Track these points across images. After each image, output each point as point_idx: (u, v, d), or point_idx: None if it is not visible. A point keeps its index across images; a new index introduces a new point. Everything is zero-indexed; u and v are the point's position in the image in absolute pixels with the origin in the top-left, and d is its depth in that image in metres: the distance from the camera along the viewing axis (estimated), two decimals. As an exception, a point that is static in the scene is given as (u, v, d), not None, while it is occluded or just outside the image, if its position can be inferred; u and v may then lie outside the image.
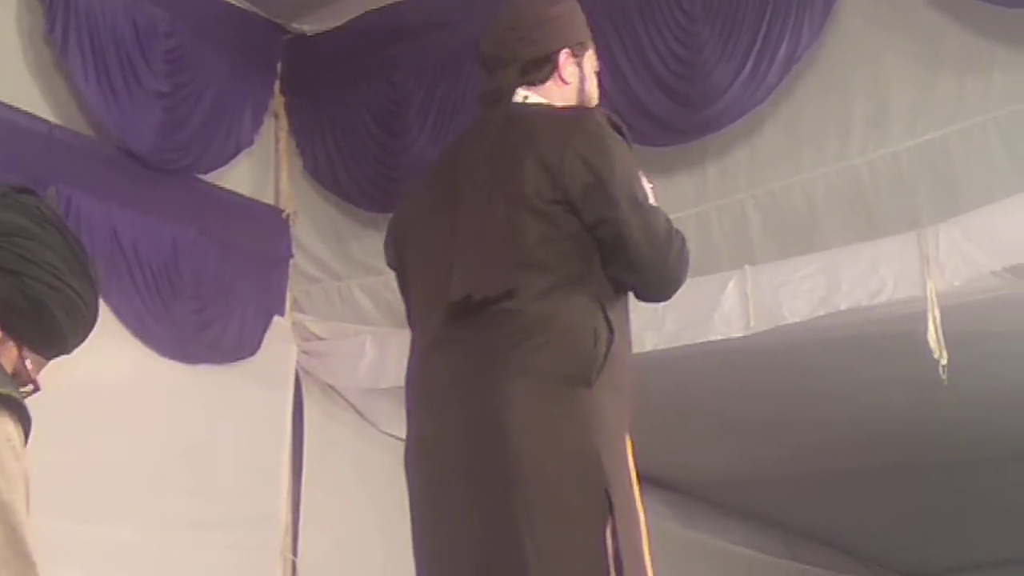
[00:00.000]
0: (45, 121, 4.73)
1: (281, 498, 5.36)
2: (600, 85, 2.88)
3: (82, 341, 2.23)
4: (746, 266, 4.56)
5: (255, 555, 5.19)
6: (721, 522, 7.74)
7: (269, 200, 5.70)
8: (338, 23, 5.58)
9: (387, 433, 5.42)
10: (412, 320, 2.77)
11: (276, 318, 5.51)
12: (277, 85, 5.71)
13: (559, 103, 2.75)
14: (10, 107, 4.58)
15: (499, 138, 2.68)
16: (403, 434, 2.74)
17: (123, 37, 4.93)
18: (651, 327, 4.65)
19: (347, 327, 5.33)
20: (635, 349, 4.57)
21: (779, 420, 6.18)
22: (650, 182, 2.77)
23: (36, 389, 2.21)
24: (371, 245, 5.17)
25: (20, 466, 2.13)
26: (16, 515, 2.08)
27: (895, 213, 4.31)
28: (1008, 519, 7.82)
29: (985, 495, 7.41)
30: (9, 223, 2.12)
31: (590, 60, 2.83)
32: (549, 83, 2.76)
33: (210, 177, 5.36)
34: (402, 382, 2.76)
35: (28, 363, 2.16)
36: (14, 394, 2.12)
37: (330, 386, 5.63)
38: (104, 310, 4.90)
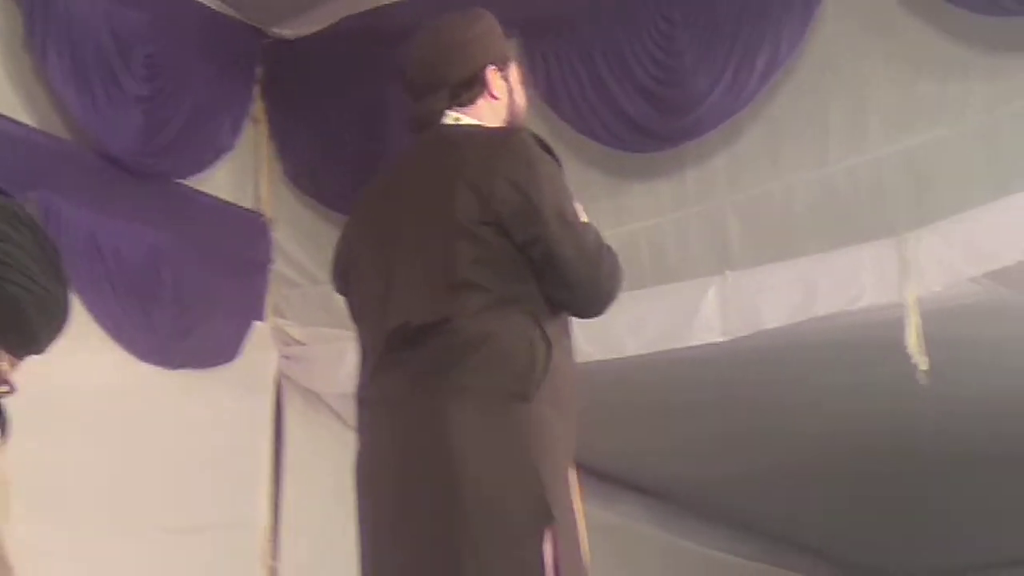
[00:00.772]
0: (24, 126, 4.72)
1: (261, 504, 5.35)
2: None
3: (55, 340, 2.25)
4: (726, 272, 4.57)
5: (235, 561, 5.17)
6: (701, 527, 7.75)
7: (249, 205, 5.68)
8: (318, 27, 5.58)
9: (368, 438, 5.40)
10: (360, 346, 2.80)
11: (256, 323, 5.50)
12: (257, 90, 5.70)
13: (490, 120, 2.79)
14: (-11, 112, 4.58)
15: (430, 163, 2.73)
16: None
17: (102, 42, 4.92)
18: (630, 332, 4.66)
19: (327, 332, 5.32)
20: (615, 354, 4.64)
21: (759, 425, 6.19)
22: (580, 203, 2.81)
23: (11, 390, 2.21)
24: (351, 250, 5.16)
25: (-1, 470, 2.13)
26: (-7, 519, 2.08)
27: (873, 219, 4.33)
28: (988, 523, 7.85)
29: (965, 499, 7.43)
30: None
31: (514, 72, 2.88)
32: (480, 101, 2.80)
33: (190, 182, 5.35)
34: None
35: (3, 364, 2.16)
36: None
37: (310, 391, 5.62)
38: (83, 315, 4.94)
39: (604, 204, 4.86)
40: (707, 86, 4.57)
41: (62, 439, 4.51)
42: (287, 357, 5.57)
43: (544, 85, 4.96)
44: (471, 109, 2.79)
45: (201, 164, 5.37)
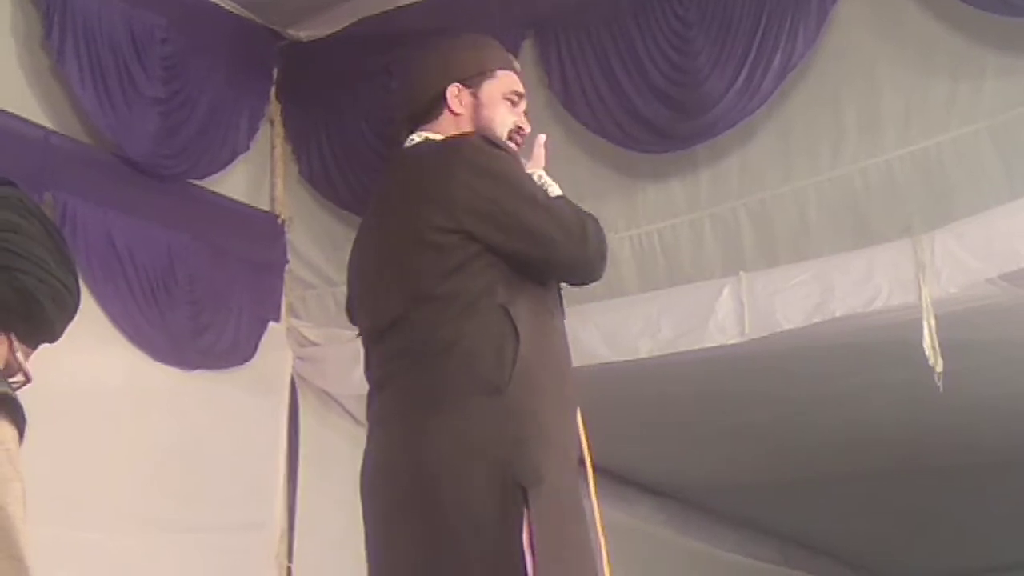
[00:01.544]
0: (41, 127, 4.74)
1: (276, 504, 5.36)
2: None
3: (66, 327, 2.28)
4: (741, 273, 4.56)
5: (250, 561, 5.18)
6: (715, 529, 7.74)
7: (265, 206, 5.70)
8: (334, 29, 5.59)
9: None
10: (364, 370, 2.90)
11: (271, 324, 5.51)
12: (273, 91, 5.72)
13: (453, 133, 2.85)
14: (6, 113, 4.59)
15: (394, 182, 2.85)
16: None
17: (120, 44, 4.94)
18: (646, 334, 4.66)
19: (342, 333, 5.32)
20: (630, 356, 4.63)
21: (773, 427, 6.18)
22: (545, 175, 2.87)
23: (27, 380, 2.23)
24: (366, 251, 5.17)
25: (14, 469, 2.14)
26: (9, 519, 2.09)
27: (888, 221, 4.32)
28: (1002, 525, 7.82)
29: (979, 501, 7.41)
30: None
31: (495, 87, 2.90)
32: (441, 117, 2.88)
33: (206, 183, 5.36)
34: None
35: (19, 354, 2.18)
36: (8, 392, 2.13)
37: (325, 392, 5.63)
38: (100, 316, 4.96)
39: (618, 205, 4.87)
40: (722, 87, 4.56)
41: (78, 439, 4.52)
42: (302, 358, 5.58)
43: (559, 86, 4.97)
44: (433, 125, 2.88)
45: (217, 165, 5.39)
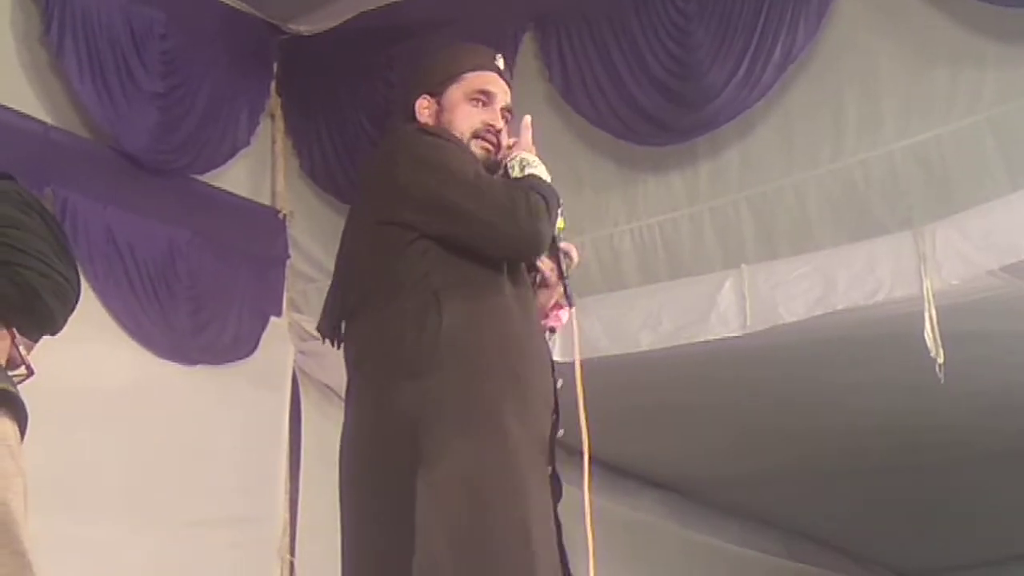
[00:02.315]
0: (41, 122, 4.74)
1: (279, 498, 5.36)
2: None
3: (67, 320, 2.29)
4: (743, 266, 4.56)
5: (253, 555, 5.19)
6: (718, 522, 7.73)
7: (265, 201, 5.70)
8: (334, 23, 5.58)
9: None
10: None
11: (273, 319, 5.51)
12: (273, 86, 5.72)
13: None
14: (6, 108, 4.59)
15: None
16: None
17: (119, 39, 4.93)
18: (647, 327, 4.66)
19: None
20: (630, 348, 4.63)
21: (776, 420, 6.18)
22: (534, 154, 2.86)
23: (30, 373, 2.24)
24: (367, 245, 5.17)
25: (16, 464, 2.14)
26: (11, 513, 2.09)
27: (888, 213, 4.32)
28: (1005, 517, 7.82)
29: (982, 493, 7.41)
30: None
31: (458, 90, 2.92)
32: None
33: (206, 178, 5.36)
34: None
35: (21, 348, 2.19)
36: (10, 388, 2.13)
37: (327, 386, 5.63)
38: (100, 311, 4.96)
39: (619, 198, 4.87)
40: (722, 80, 4.56)
41: (80, 435, 4.52)
42: (304, 352, 5.58)
43: (560, 79, 4.96)
44: None
45: (217, 160, 5.38)
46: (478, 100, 2.89)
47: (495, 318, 2.67)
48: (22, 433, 2.25)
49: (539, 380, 2.69)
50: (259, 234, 5.60)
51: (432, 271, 2.66)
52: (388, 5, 5.43)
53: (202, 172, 5.33)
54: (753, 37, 4.52)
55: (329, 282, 5.42)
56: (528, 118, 2.95)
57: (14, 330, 2.19)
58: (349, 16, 5.53)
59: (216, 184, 5.42)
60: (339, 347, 2.87)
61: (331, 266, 5.39)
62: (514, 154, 2.83)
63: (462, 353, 2.61)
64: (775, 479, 7.06)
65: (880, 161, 4.37)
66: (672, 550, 7.34)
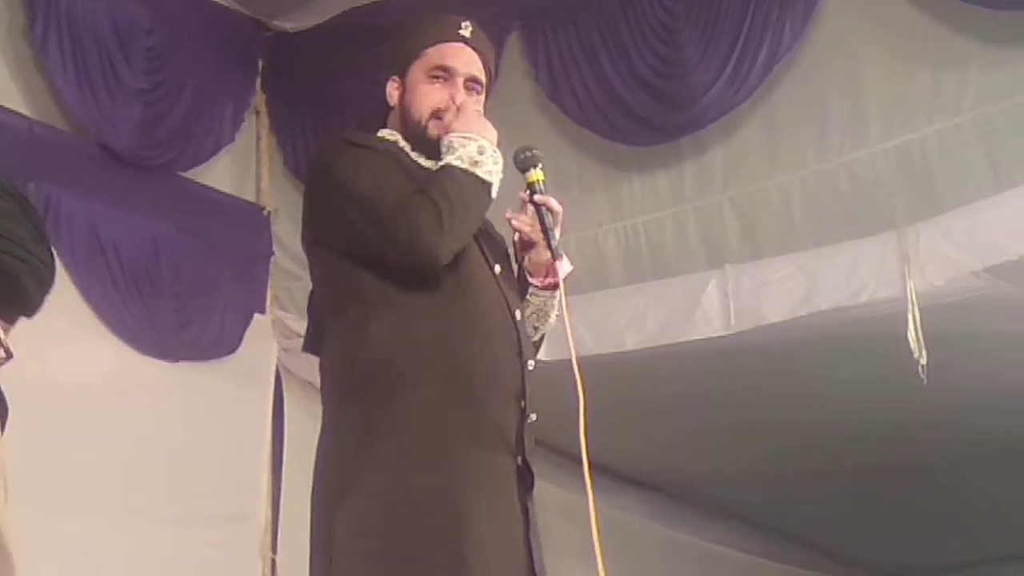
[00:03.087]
0: (25, 118, 4.72)
1: (261, 496, 5.35)
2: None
3: (44, 301, 2.30)
4: (727, 265, 4.57)
5: (235, 553, 5.18)
6: (701, 522, 7.74)
7: (250, 197, 5.69)
8: (319, 20, 5.58)
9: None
10: None
11: (256, 316, 5.50)
12: (258, 82, 5.71)
13: (398, 127, 2.79)
14: (-10, 104, 4.58)
15: None
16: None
17: (103, 35, 4.92)
18: (632, 326, 4.66)
19: (328, 325, 5.31)
20: (616, 348, 4.63)
21: (759, 420, 6.19)
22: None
23: (9, 356, 2.23)
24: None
25: (-4, 456, 2.14)
26: (-11, 503, 2.08)
27: (873, 214, 4.33)
28: (988, 518, 7.85)
29: (965, 494, 7.43)
30: None
31: (418, 68, 2.77)
32: (390, 114, 2.82)
33: (191, 174, 5.35)
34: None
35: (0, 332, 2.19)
36: None
37: (310, 383, 5.61)
38: (83, 308, 4.94)
39: (603, 198, 4.87)
40: (709, 79, 4.57)
41: (62, 432, 4.51)
42: (287, 350, 5.57)
43: (546, 78, 4.96)
44: (388, 123, 2.82)
45: (202, 156, 5.37)
46: (437, 77, 2.73)
47: (426, 320, 2.55)
48: (2, 425, 2.25)
49: (494, 370, 2.56)
50: (243, 231, 5.59)
51: (363, 284, 2.57)
52: (374, 3, 5.42)
53: (186, 168, 5.31)
54: (739, 37, 4.52)
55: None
56: (460, 97, 2.76)
57: None
58: (335, 13, 5.52)
59: (200, 181, 5.41)
60: None
61: (315, 263, 5.46)
62: (446, 138, 2.65)
63: (389, 368, 2.53)
64: (758, 479, 7.07)
65: (864, 162, 4.38)
66: (654, 550, 7.34)
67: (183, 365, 5.11)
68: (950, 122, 4.22)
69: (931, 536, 8.35)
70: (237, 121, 5.54)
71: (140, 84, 5.05)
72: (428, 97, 2.72)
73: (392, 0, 5.38)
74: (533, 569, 2.53)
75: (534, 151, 2.70)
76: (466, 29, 2.77)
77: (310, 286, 5.75)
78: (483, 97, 2.79)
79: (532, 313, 2.77)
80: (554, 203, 2.68)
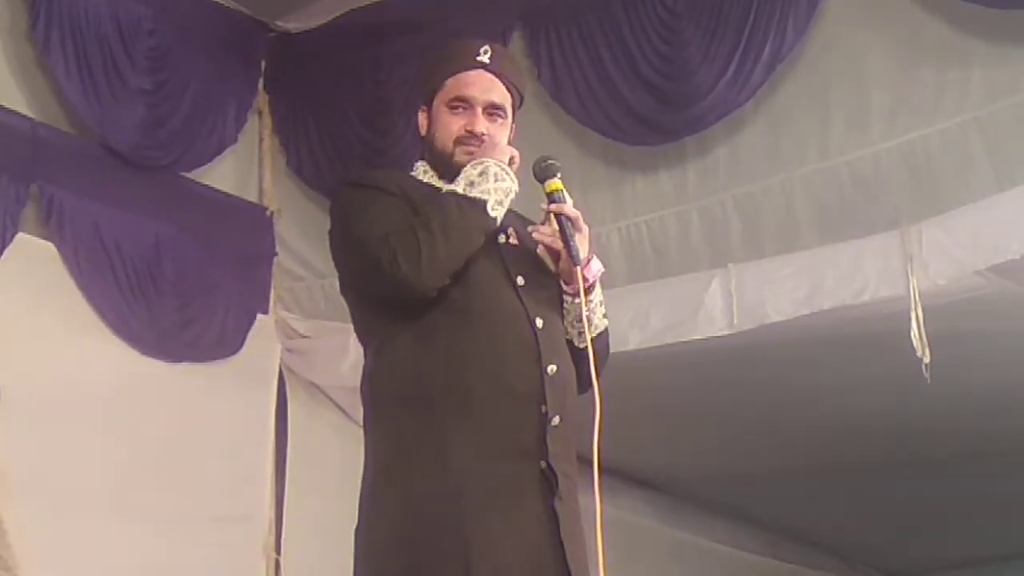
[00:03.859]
0: (28, 118, 4.72)
1: (265, 496, 5.36)
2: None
3: None
4: (730, 265, 4.56)
5: (239, 553, 5.18)
6: (704, 520, 7.74)
7: (253, 198, 5.69)
8: (322, 21, 5.58)
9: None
10: None
11: (259, 316, 5.50)
12: (261, 83, 5.71)
13: (428, 156, 2.85)
14: (-7, 104, 4.58)
15: None
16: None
17: (106, 35, 4.92)
18: (635, 326, 4.66)
19: (331, 325, 5.32)
20: (619, 348, 4.61)
21: (764, 419, 6.19)
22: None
23: None
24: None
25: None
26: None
27: (876, 213, 4.32)
28: (992, 516, 7.84)
29: (970, 493, 7.42)
30: None
31: (440, 99, 2.83)
32: (423, 145, 2.88)
33: (193, 175, 5.35)
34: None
35: None
36: None
37: (314, 384, 5.62)
38: (86, 308, 4.95)
39: (606, 197, 4.86)
40: (711, 79, 4.56)
41: (65, 432, 4.51)
42: (290, 350, 5.58)
43: (548, 77, 4.96)
44: (423, 152, 2.88)
45: (204, 157, 5.37)
46: (456, 107, 2.79)
47: (432, 341, 2.61)
48: None
49: (501, 379, 2.59)
50: (246, 231, 5.59)
51: (379, 317, 2.67)
52: (376, 3, 5.42)
53: (189, 169, 5.32)
54: (742, 36, 4.51)
55: (316, 279, 5.49)
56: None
57: None
58: (337, 14, 5.52)
59: (203, 181, 5.41)
60: None
61: (319, 264, 5.49)
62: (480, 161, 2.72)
63: (399, 393, 2.60)
64: (762, 478, 7.07)
65: (867, 161, 4.37)
66: (659, 549, 7.35)
67: (186, 366, 5.11)
68: (953, 121, 4.21)
69: (936, 534, 8.35)
70: (240, 121, 5.54)
71: (143, 84, 5.05)
72: (448, 128, 2.78)
73: (394, 1, 5.39)
74: (568, 570, 2.54)
75: (551, 161, 2.74)
76: (485, 54, 2.81)
77: (312, 286, 5.81)
78: (509, 120, 2.84)
79: (574, 319, 2.78)
80: (569, 209, 2.70)
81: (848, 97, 4.44)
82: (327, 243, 2.82)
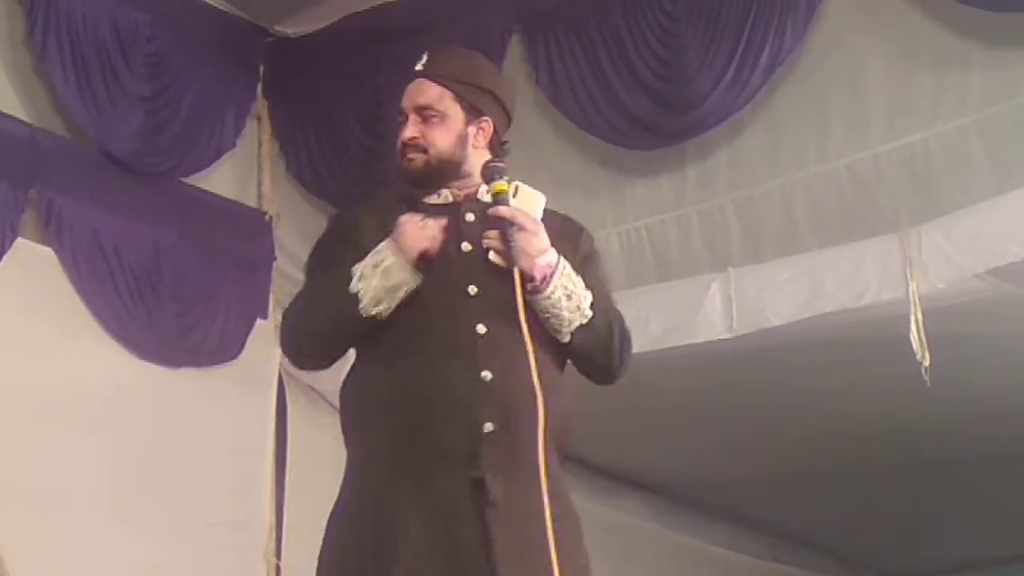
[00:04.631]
0: (26, 124, 4.73)
1: (265, 501, 5.35)
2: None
3: None
4: (729, 268, 4.57)
5: (239, 558, 5.17)
6: (703, 524, 7.73)
7: (252, 203, 5.69)
8: (321, 26, 5.58)
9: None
10: None
11: (259, 321, 5.49)
12: (260, 88, 5.71)
13: None
14: (-8, 110, 4.58)
15: None
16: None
17: (104, 41, 4.93)
18: (635, 329, 4.61)
19: (330, 330, 5.31)
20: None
21: (763, 422, 6.18)
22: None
23: None
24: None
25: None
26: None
27: (875, 216, 4.33)
28: (992, 520, 7.83)
29: (969, 496, 7.42)
30: None
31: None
32: None
33: (192, 180, 5.35)
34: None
35: None
36: None
37: (313, 389, 5.62)
38: (85, 314, 4.95)
39: (606, 201, 4.87)
40: (710, 83, 4.56)
41: (65, 438, 4.51)
42: (290, 355, 5.56)
43: (547, 82, 4.96)
44: None
45: (203, 162, 5.37)
46: (401, 121, 2.84)
47: (379, 361, 2.73)
48: None
49: (428, 391, 2.63)
50: (245, 236, 5.59)
51: (357, 348, 2.80)
52: (375, 7, 5.42)
53: (188, 174, 5.32)
54: (741, 40, 4.52)
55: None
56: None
57: None
58: (336, 18, 5.53)
59: (202, 186, 5.41)
60: None
61: (317, 268, 5.45)
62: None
63: (349, 417, 2.78)
64: (761, 481, 7.07)
65: (866, 164, 4.37)
66: (657, 553, 7.34)
67: (185, 371, 5.11)
68: (952, 124, 4.22)
69: (936, 537, 8.34)
70: (239, 127, 5.54)
71: (141, 90, 5.05)
72: (397, 142, 2.84)
73: (393, 5, 5.39)
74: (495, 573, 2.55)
75: (495, 163, 2.76)
76: (420, 62, 2.85)
77: (312, 291, 5.79)
78: (452, 114, 2.80)
79: (546, 317, 2.76)
80: (503, 210, 2.68)
81: (847, 100, 4.45)
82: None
